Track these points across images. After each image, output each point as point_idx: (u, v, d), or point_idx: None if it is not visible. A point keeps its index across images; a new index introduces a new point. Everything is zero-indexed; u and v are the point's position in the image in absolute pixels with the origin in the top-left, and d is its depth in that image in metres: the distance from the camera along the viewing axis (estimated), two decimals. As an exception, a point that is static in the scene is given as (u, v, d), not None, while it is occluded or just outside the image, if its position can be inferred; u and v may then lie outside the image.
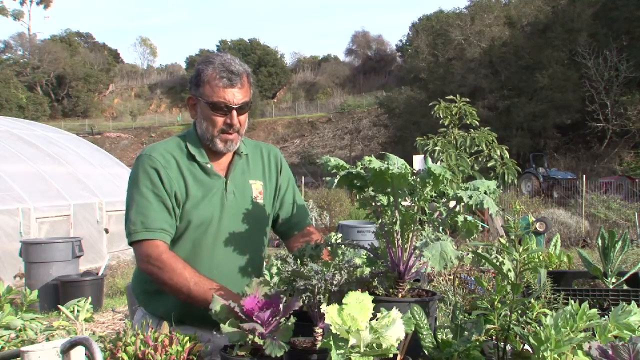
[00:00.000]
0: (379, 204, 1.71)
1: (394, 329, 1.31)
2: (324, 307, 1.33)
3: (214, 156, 2.09)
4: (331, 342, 1.30)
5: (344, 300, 1.33)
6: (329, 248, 1.80)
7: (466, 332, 1.48)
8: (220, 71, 1.97)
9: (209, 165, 2.06)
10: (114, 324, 6.68)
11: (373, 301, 1.35)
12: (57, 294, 7.29)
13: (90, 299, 2.15)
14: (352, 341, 1.29)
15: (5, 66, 54.52)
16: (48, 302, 7.02)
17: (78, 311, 1.95)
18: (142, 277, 2.11)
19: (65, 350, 1.27)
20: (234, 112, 2.00)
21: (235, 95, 1.99)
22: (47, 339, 1.95)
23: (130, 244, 1.99)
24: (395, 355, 1.37)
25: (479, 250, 1.68)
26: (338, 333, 1.30)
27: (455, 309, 1.58)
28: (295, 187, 2.29)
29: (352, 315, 1.30)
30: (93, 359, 1.22)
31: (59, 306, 2.11)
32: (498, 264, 1.53)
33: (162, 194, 1.97)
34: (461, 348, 1.44)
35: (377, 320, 1.33)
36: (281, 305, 1.47)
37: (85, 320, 1.90)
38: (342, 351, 1.29)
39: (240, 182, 2.11)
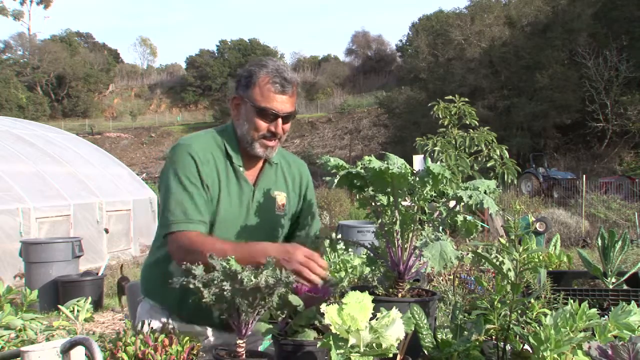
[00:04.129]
0: (379, 203, 1.71)
1: (394, 328, 1.31)
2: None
3: (247, 161, 2.05)
4: (331, 342, 1.30)
5: (343, 300, 1.33)
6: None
7: (466, 332, 1.48)
8: (274, 76, 1.93)
9: (241, 169, 2.03)
10: (114, 324, 6.67)
11: (373, 301, 1.35)
12: (57, 294, 7.27)
13: (90, 299, 2.15)
14: (352, 341, 1.29)
15: (5, 66, 54.45)
16: (48, 302, 7.01)
17: (78, 311, 1.96)
18: (155, 267, 2.09)
19: (65, 350, 1.27)
20: (279, 121, 1.96)
21: (285, 103, 1.95)
22: (47, 339, 1.95)
23: (168, 234, 1.91)
24: (395, 355, 1.37)
25: (479, 250, 1.68)
26: (338, 333, 1.30)
27: (455, 309, 1.58)
28: (314, 213, 2.21)
29: (352, 315, 1.30)
30: (93, 359, 1.22)
31: (59, 306, 2.12)
32: (498, 263, 1.53)
33: (199, 185, 1.93)
34: (461, 348, 1.43)
35: (377, 320, 1.33)
36: None
37: (85, 320, 1.90)
38: (342, 351, 1.29)
39: (267, 192, 2.08)
